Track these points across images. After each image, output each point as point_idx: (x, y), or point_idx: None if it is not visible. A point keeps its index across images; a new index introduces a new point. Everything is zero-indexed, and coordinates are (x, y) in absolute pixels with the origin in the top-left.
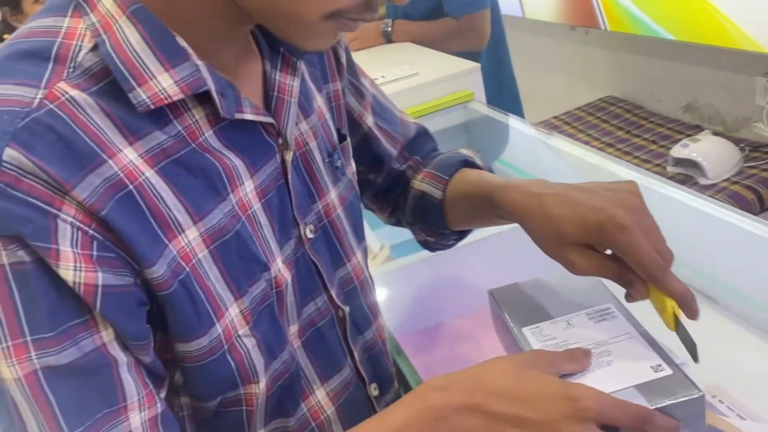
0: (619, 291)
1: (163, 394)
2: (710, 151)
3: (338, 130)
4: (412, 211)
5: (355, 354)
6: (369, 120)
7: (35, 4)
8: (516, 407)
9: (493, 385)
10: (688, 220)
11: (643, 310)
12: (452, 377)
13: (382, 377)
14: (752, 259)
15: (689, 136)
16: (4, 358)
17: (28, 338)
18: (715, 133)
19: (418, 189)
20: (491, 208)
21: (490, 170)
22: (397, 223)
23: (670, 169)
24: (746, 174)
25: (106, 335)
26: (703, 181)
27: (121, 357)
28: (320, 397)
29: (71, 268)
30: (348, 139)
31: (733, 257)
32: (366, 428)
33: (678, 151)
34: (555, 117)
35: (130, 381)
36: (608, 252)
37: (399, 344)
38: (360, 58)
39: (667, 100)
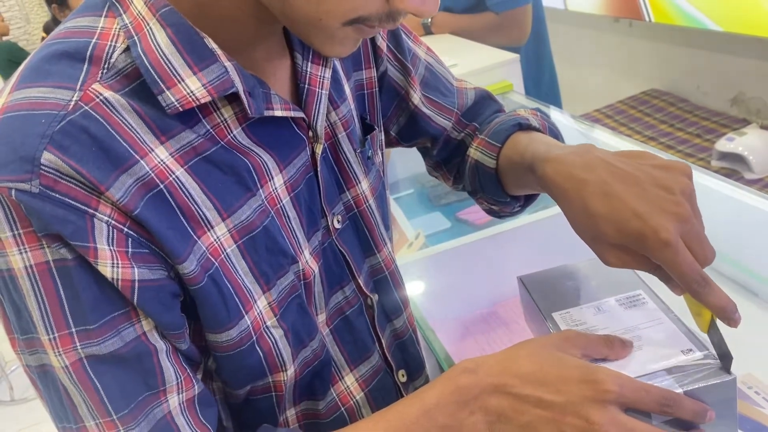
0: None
1: (199, 376)
2: (757, 145)
3: (363, 120)
4: (470, 180)
5: (383, 341)
6: (415, 97)
7: None
8: (539, 390)
9: (518, 368)
10: (730, 212)
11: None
12: (481, 360)
13: (410, 364)
14: None
15: (735, 129)
16: (51, 348)
17: (73, 329)
18: (763, 127)
19: (473, 158)
20: (535, 179)
21: (552, 128)
22: (463, 190)
23: (714, 163)
24: None
25: (146, 324)
26: (748, 176)
27: (160, 345)
28: (349, 383)
29: (109, 265)
30: (376, 129)
31: None
32: (400, 407)
33: (723, 144)
34: (597, 110)
35: (169, 366)
36: None
37: (433, 330)
38: None
39: (713, 93)
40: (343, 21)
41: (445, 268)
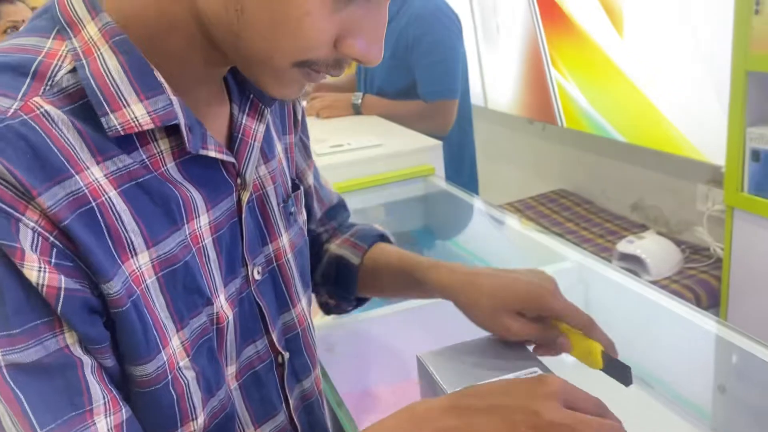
0: None
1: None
2: (654, 249)
3: (292, 180)
4: (323, 273)
5: (291, 402)
6: (310, 179)
7: None
8: (489, 399)
9: (474, 389)
10: (628, 306)
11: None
12: (434, 399)
13: (315, 428)
14: (687, 347)
15: (635, 233)
16: None
17: None
18: (659, 233)
19: (335, 253)
20: (417, 284)
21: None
22: None
23: (615, 263)
24: (686, 274)
25: (69, 337)
26: (645, 277)
27: (86, 359)
28: None
29: (35, 269)
30: (301, 188)
31: (670, 345)
32: None
33: (624, 246)
34: (509, 203)
35: (95, 384)
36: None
37: (341, 398)
38: (329, 124)
39: (615, 198)
40: (293, 61)
41: (352, 338)
